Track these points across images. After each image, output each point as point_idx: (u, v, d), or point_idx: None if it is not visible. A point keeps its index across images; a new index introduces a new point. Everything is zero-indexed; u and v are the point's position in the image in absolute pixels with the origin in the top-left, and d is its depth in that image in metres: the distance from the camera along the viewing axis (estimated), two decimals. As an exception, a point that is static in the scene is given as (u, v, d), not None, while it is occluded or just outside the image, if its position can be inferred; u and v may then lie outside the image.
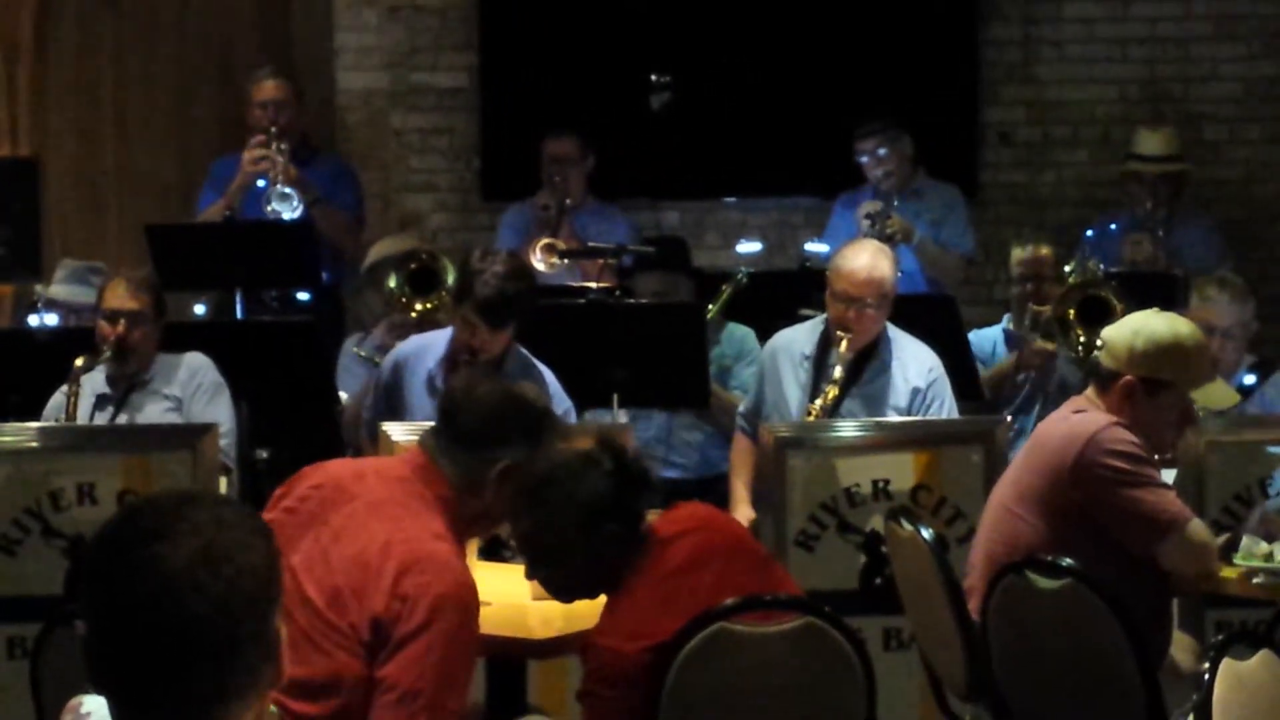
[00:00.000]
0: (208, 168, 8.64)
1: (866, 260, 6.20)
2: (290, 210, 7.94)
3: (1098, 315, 6.74)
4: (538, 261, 7.86)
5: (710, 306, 7.18)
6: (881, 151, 8.15)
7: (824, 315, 6.37)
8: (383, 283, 7.61)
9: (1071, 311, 6.93)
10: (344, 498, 3.93)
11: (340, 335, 7.79)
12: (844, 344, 6.20)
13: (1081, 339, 6.85)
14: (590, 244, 7.75)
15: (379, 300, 7.70)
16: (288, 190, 7.96)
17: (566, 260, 7.87)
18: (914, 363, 6.28)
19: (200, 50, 9.41)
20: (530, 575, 4.26)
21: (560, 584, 4.24)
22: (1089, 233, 8.17)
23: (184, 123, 9.40)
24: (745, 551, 4.25)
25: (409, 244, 8.04)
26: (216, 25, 9.43)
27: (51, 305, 7.61)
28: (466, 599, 3.83)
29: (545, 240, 7.95)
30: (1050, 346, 7.13)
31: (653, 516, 4.22)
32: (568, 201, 8.27)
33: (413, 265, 7.19)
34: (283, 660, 2.29)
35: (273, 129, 8.11)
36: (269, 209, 7.93)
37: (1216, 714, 3.47)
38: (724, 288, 7.29)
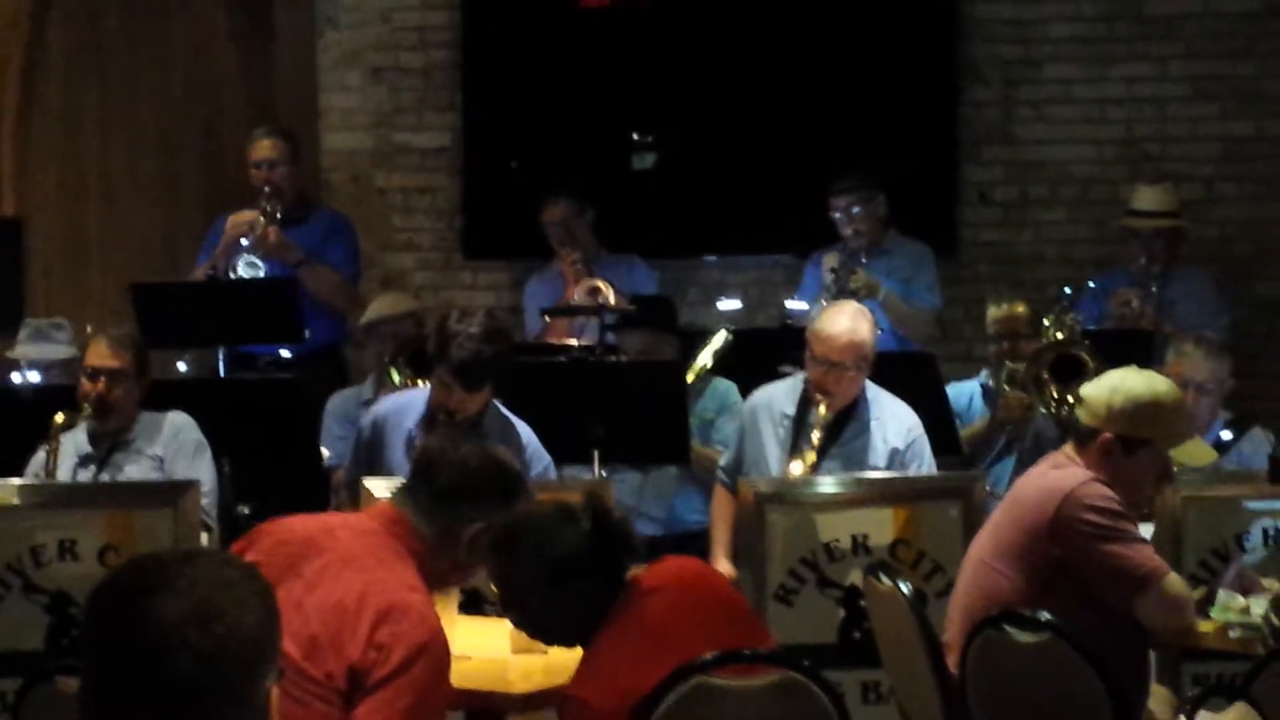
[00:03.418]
0: (195, 227, 8.67)
1: (846, 324, 6.21)
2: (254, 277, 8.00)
3: (1071, 373, 6.79)
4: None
5: (694, 366, 7.21)
6: (855, 210, 8.18)
7: (804, 373, 6.39)
8: (380, 342, 7.67)
9: (1045, 371, 6.97)
10: (315, 551, 3.95)
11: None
12: (823, 405, 6.22)
13: (1055, 396, 6.89)
14: (571, 303, 7.78)
15: (375, 359, 7.75)
16: (254, 260, 7.99)
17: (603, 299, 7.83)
18: (893, 422, 6.29)
19: (185, 111, 9.45)
20: (505, 615, 4.29)
21: (532, 631, 4.29)
22: (1092, 283, 8.21)
23: (168, 183, 9.44)
24: (727, 606, 4.26)
25: (404, 305, 8.09)
26: (201, 86, 9.47)
27: (34, 364, 7.64)
28: (440, 652, 3.86)
29: (590, 283, 7.99)
30: (1025, 399, 7.18)
31: (637, 570, 4.24)
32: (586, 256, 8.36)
33: (410, 349, 7.25)
34: None
35: (266, 188, 8.16)
36: (234, 275, 7.97)
37: (1192, 765, 3.49)
38: (708, 344, 7.31)
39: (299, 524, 4.12)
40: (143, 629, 2.24)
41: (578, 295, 7.82)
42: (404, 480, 4.22)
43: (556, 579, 4.11)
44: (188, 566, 2.29)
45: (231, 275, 7.98)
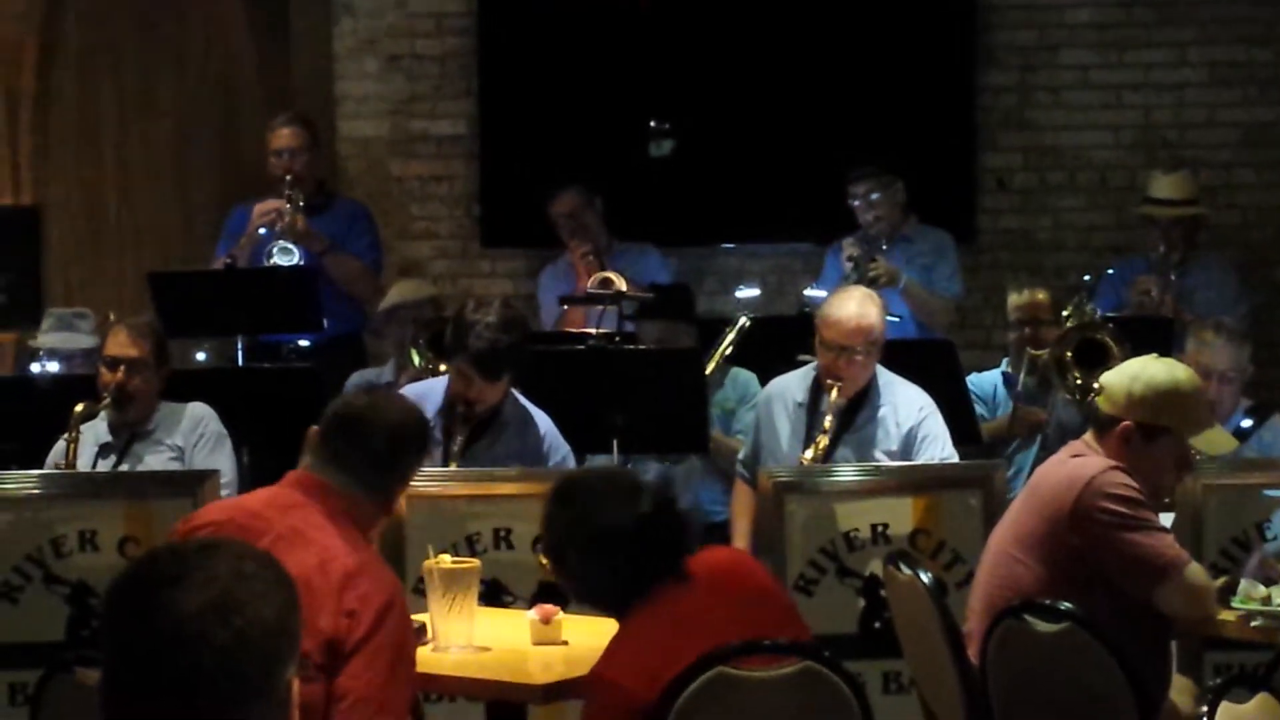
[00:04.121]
0: (213, 216, 8.69)
1: (854, 309, 6.22)
2: (290, 264, 7.99)
3: (1095, 358, 6.77)
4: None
5: (713, 353, 7.20)
6: (874, 196, 8.17)
7: (817, 361, 6.40)
8: (400, 327, 7.66)
9: (1069, 354, 6.95)
10: (251, 537, 3.90)
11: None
12: (835, 391, 6.22)
13: (1079, 381, 6.87)
14: (589, 290, 7.75)
15: (394, 345, 7.74)
16: (289, 245, 8.00)
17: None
18: (904, 405, 6.30)
19: (202, 98, 9.45)
20: (546, 561, 4.36)
21: (565, 586, 4.35)
22: (1111, 270, 8.21)
23: (185, 171, 9.44)
24: (764, 597, 4.23)
25: (425, 291, 8.08)
26: (218, 74, 9.48)
27: (53, 354, 7.64)
28: (402, 602, 3.97)
29: (601, 275, 7.96)
30: (1040, 416, 7.18)
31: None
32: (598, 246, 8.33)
33: (431, 331, 7.24)
34: (294, 713, 2.31)
35: (288, 176, 8.15)
36: (269, 263, 7.98)
37: (1215, 756, 3.48)
38: (727, 333, 7.31)
39: (216, 514, 4.15)
40: (161, 622, 2.24)
41: (591, 288, 7.80)
42: (319, 445, 4.21)
43: (595, 547, 4.12)
44: (206, 558, 2.29)
45: (266, 263, 7.99)
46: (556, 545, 4.22)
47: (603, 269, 8.05)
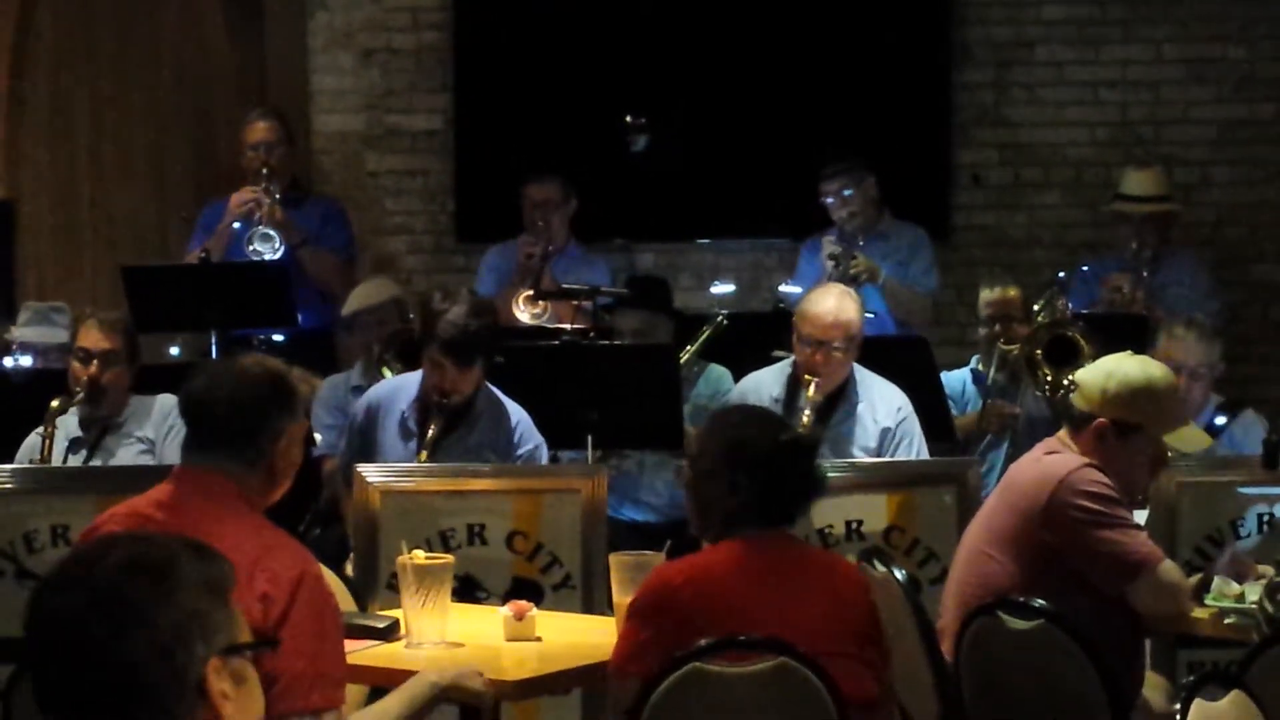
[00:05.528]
0: (187, 210, 8.66)
1: (832, 304, 6.26)
2: (271, 251, 7.97)
3: (1066, 355, 6.77)
4: (521, 313, 7.86)
5: (687, 348, 7.20)
6: (846, 192, 8.17)
7: (793, 357, 6.41)
8: (363, 332, 7.61)
9: (1039, 351, 6.96)
10: None
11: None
12: (812, 387, 6.23)
13: (1048, 378, 6.88)
14: (564, 285, 7.73)
15: (358, 348, 7.68)
16: (269, 231, 7.99)
17: (548, 308, 7.84)
18: (882, 403, 6.32)
19: (177, 93, 9.42)
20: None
21: (686, 493, 4.44)
22: (1085, 266, 8.22)
23: (160, 166, 9.41)
24: (840, 609, 4.26)
25: (387, 292, 7.98)
26: (193, 68, 9.44)
27: (26, 348, 7.61)
28: (315, 569, 3.90)
29: (528, 292, 7.94)
30: (1013, 410, 7.19)
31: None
32: (550, 247, 8.27)
33: (400, 341, 7.21)
34: (218, 700, 2.28)
35: (264, 170, 8.14)
36: (250, 249, 7.97)
37: (1188, 753, 3.48)
38: (703, 329, 7.31)
39: (111, 525, 4.01)
40: (50, 625, 2.25)
41: (519, 305, 7.81)
42: (184, 438, 4.15)
43: (727, 455, 4.28)
44: (99, 555, 2.28)
45: (247, 249, 7.97)
46: (696, 449, 4.43)
47: (540, 278, 8.03)
